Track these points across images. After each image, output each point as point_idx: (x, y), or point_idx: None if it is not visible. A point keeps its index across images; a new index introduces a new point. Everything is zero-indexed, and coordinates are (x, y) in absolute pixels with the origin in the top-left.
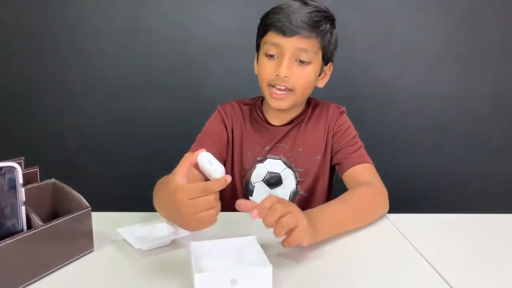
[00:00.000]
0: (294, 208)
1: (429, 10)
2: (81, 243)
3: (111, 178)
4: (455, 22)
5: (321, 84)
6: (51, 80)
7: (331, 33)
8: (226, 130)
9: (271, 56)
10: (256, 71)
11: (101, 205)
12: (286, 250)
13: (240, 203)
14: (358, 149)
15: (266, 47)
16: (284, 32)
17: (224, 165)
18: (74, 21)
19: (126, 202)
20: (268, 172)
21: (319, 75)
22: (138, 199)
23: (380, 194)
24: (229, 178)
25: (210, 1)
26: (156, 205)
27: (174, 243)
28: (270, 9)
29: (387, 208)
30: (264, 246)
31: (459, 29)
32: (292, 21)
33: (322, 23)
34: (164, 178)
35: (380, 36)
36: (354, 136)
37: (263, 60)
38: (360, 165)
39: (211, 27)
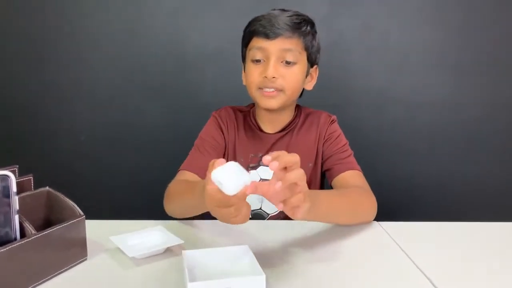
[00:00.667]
0: (306, 187)
1: (424, 18)
2: (74, 251)
3: (105, 186)
4: (450, 30)
5: (309, 86)
6: (45, 85)
7: (313, 35)
8: (223, 135)
9: (258, 61)
10: (244, 82)
11: (95, 213)
12: (279, 259)
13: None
14: (348, 156)
15: (252, 53)
16: (267, 35)
17: None
18: (69, 26)
19: (120, 210)
20: (261, 179)
21: (306, 77)
22: (132, 207)
23: (370, 198)
24: (243, 194)
25: (206, 7)
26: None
27: (167, 251)
28: (252, 19)
29: (375, 213)
30: (257, 255)
31: (453, 37)
32: (274, 24)
33: (302, 25)
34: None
35: (375, 44)
36: (344, 144)
37: (250, 66)
38: (350, 171)
39: (206, 33)
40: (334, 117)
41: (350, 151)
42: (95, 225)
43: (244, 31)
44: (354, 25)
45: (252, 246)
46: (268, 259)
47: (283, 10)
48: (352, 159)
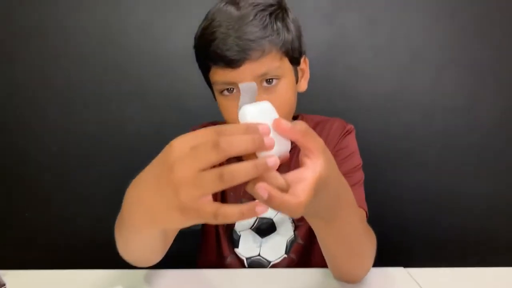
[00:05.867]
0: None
1: (436, 13)
2: None
3: (77, 209)
4: (463, 25)
5: (303, 87)
6: (13, 88)
7: (287, 27)
8: None
9: (229, 91)
10: (219, 108)
11: (59, 246)
12: None
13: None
14: (353, 185)
15: (217, 87)
16: (229, 64)
17: None
18: (43, 26)
19: (94, 241)
20: (257, 217)
21: (297, 81)
22: (106, 239)
23: (374, 242)
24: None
25: (192, 4)
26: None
27: None
28: (199, 34)
29: (369, 268)
30: None
31: (469, 33)
32: (232, 46)
33: (270, 25)
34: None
35: (382, 41)
36: (354, 167)
37: (221, 100)
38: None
39: (192, 34)
40: (350, 126)
41: (358, 178)
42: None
43: (195, 51)
44: (359, 21)
45: None
46: None
47: (236, 6)
48: (358, 190)
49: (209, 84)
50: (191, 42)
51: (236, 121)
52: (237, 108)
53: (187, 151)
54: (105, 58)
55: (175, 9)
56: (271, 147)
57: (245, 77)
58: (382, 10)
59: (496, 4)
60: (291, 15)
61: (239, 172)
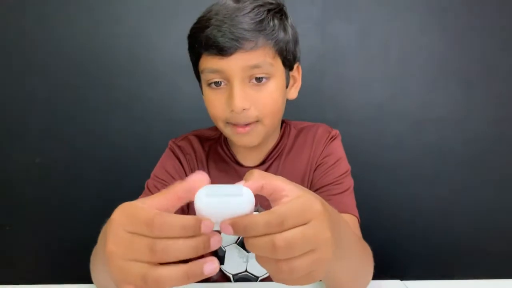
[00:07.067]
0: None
1: (428, 22)
2: None
3: (62, 219)
4: (455, 37)
5: (293, 95)
6: None
7: (284, 28)
8: (185, 172)
9: (216, 84)
10: (205, 103)
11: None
12: None
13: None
14: (344, 191)
15: (206, 76)
16: (221, 51)
17: None
18: (29, 32)
19: (83, 252)
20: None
21: (287, 86)
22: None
23: (371, 257)
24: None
25: (180, 10)
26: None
27: None
28: (195, 23)
29: (370, 278)
30: None
31: (462, 43)
32: (226, 33)
33: (267, 20)
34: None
35: (373, 51)
36: (343, 174)
37: (208, 93)
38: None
39: (180, 41)
40: (335, 132)
41: (347, 184)
42: None
43: (188, 40)
44: (350, 30)
45: None
46: None
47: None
48: (348, 197)
49: (198, 77)
50: (180, 51)
51: (220, 116)
52: (224, 103)
53: (123, 234)
54: (90, 67)
55: (162, 18)
56: (216, 247)
57: (235, 67)
58: (373, 20)
59: (485, 18)
60: (290, 20)
61: (174, 250)
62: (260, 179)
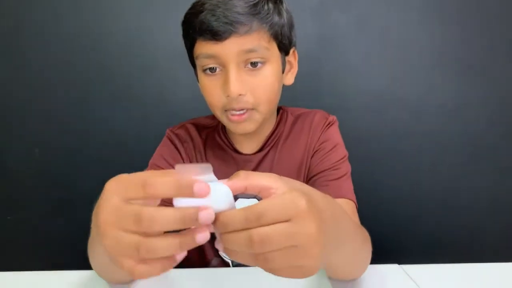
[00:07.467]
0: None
1: (428, 10)
2: None
3: (61, 211)
4: (456, 24)
5: (289, 80)
6: None
7: (279, 12)
8: (183, 161)
9: (211, 70)
10: (201, 91)
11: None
12: None
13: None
14: (341, 177)
15: (201, 62)
16: (215, 36)
17: None
18: (25, 29)
19: (79, 241)
20: None
21: (283, 72)
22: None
23: (369, 242)
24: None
25: (180, 3)
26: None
27: None
28: (189, 8)
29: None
30: None
31: (462, 31)
32: (220, 17)
33: (261, 4)
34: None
35: (373, 39)
36: (340, 159)
37: (203, 80)
38: (338, 199)
39: (177, 30)
40: (332, 118)
41: (345, 170)
42: None
43: (182, 27)
44: (349, 17)
45: None
46: None
47: None
48: (346, 182)
49: (193, 64)
50: (178, 41)
51: (217, 104)
52: (219, 89)
53: (115, 201)
54: (86, 57)
55: (161, 6)
56: (207, 222)
57: (230, 51)
58: (373, 8)
59: (485, 5)
60: (285, 4)
61: (162, 219)
62: (243, 180)
